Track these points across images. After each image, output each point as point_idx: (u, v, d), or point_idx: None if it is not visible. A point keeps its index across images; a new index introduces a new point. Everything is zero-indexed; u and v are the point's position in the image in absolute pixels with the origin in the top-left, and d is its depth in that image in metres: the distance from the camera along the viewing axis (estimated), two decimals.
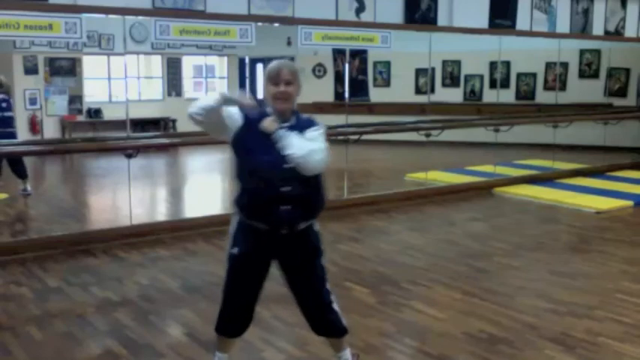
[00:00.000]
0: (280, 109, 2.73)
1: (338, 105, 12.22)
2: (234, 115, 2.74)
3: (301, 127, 2.75)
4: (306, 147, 2.64)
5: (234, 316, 2.91)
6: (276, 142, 2.66)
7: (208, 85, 15.00)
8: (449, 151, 10.87)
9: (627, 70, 11.92)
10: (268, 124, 2.69)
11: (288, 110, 2.75)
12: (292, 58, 13.48)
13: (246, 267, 2.84)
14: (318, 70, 14.00)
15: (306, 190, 2.71)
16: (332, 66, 13.79)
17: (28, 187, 7.73)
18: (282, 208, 2.67)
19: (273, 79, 2.72)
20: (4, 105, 7.45)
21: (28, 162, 8.01)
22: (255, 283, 2.87)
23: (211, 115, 2.67)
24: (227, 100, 2.68)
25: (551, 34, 8.89)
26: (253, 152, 2.70)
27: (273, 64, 2.76)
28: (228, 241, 2.87)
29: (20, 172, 7.62)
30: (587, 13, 9.20)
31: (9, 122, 7.47)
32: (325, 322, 2.93)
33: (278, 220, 2.71)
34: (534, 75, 12.85)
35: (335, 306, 2.92)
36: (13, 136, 7.48)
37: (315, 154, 2.65)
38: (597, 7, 9.29)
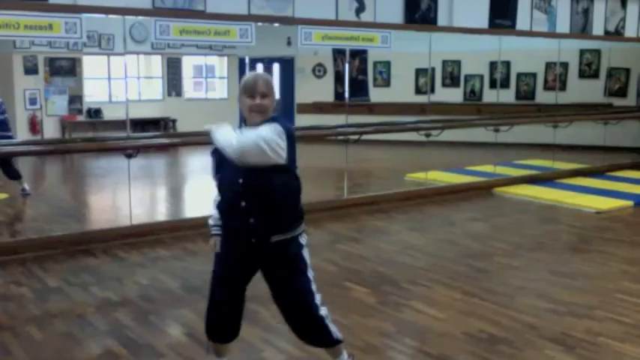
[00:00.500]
0: (256, 122, 2.71)
1: (338, 105, 12.24)
2: (213, 171, 2.89)
3: None
4: (236, 137, 2.59)
5: (216, 321, 2.92)
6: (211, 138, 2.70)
7: (208, 85, 15.00)
8: (449, 151, 10.87)
9: (627, 70, 11.92)
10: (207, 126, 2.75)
11: (262, 122, 2.70)
12: (292, 59, 13.53)
13: (225, 265, 2.86)
14: (318, 70, 14.00)
15: (268, 204, 2.69)
16: (332, 66, 13.78)
17: (26, 187, 7.73)
18: (249, 220, 2.69)
19: (248, 91, 2.71)
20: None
21: (29, 162, 8.01)
22: (232, 287, 2.86)
23: None
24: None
25: (551, 34, 8.90)
26: (222, 169, 2.78)
27: (249, 76, 2.78)
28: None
29: (12, 174, 7.59)
30: (587, 13, 9.20)
31: (5, 126, 7.45)
32: (310, 335, 2.90)
33: (243, 231, 2.73)
34: (534, 75, 12.85)
35: (325, 320, 2.85)
36: (10, 138, 7.47)
37: (247, 140, 2.57)
38: (597, 7, 9.29)
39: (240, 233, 2.75)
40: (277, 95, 2.82)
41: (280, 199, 2.71)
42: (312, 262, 2.88)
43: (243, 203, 2.68)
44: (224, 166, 2.74)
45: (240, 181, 2.68)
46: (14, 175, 7.62)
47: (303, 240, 2.84)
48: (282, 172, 2.67)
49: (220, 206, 2.84)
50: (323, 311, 2.85)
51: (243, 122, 2.82)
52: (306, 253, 2.84)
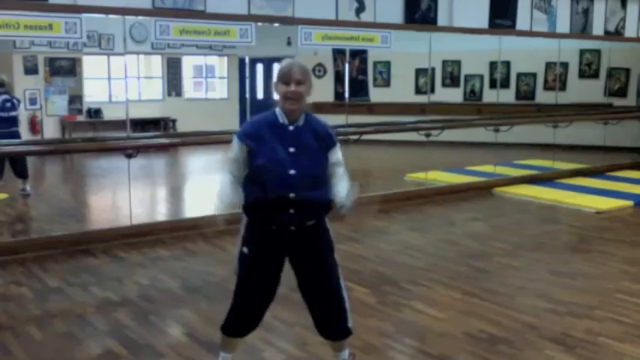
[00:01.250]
0: (290, 109, 2.71)
1: (338, 105, 12.21)
2: (240, 150, 2.75)
3: (313, 129, 2.76)
4: (346, 188, 2.79)
5: (244, 316, 2.90)
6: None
7: (208, 85, 15.00)
8: (449, 151, 10.86)
9: (627, 70, 11.91)
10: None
11: (297, 111, 2.73)
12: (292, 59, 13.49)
13: (256, 266, 2.82)
14: (318, 70, 13.99)
15: (311, 193, 2.72)
16: (332, 66, 13.78)
17: (28, 188, 7.74)
18: (289, 211, 2.70)
19: (284, 78, 2.69)
20: (8, 105, 7.46)
21: (29, 162, 8.01)
22: (266, 283, 2.84)
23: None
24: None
25: (551, 34, 8.89)
26: (262, 154, 2.70)
27: (285, 63, 2.74)
28: (239, 241, 2.87)
29: (21, 172, 7.63)
30: (587, 13, 9.19)
31: (14, 122, 7.49)
32: (334, 322, 2.91)
33: (285, 223, 2.74)
34: (534, 75, 12.85)
35: (345, 303, 2.91)
36: (17, 135, 7.49)
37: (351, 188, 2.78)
38: (597, 7, 9.29)
39: (279, 224, 2.74)
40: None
41: (325, 187, 2.80)
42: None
43: (292, 194, 2.68)
44: (263, 155, 2.69)
45: (292, 172, 2.67)
46: (23, 173, 7.64)
47: (327, 223, 2.90)
48: (326, 160, 2.79)
49: (255, 196, 2.75)
50: (344, 293, 2.91)
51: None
52: (331, 234, 2.90)
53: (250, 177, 2.75)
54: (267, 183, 2.68)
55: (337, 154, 2.83)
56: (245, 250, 2.83)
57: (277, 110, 2.75)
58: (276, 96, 2.76)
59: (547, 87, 12.60)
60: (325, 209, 2.85)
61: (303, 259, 2.85)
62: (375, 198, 2.61)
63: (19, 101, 7.79)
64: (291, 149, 2.70)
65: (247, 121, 2.92)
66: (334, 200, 2.79)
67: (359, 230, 6.23)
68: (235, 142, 2.75)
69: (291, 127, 2.73)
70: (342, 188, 2.79)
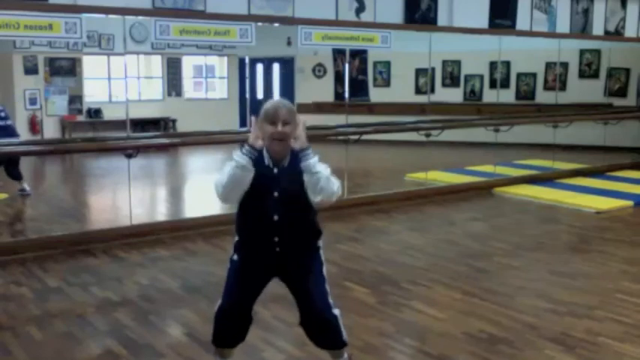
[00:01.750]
0: (276, 150, 2.68)
1: (338, 105, 12.22)
2: (248, 165, 2.65)
3: (296, 167, 2.67)
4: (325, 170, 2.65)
5: (232, 330, 2.91)
6: (306, 159, 2.61)
7: (208, 85, 15.00)
8: (449, 151, 10.86)
9: (627, 70, 11.92)
10: (300, 142, 2.64)
11: (283, 152, 2.69)
12: (292, 59, 13.53)
13: (244, 272, 2.85)
14: (318, 70, 14.00)
15: (296, 232, 2.76)
16: (332, 66, 13.78)
17: (26, 187, 7.73)
18: (275, 248, 2.75)
19: (270, 118, 2.65)
20: (2, 114, 7.45)
21: (29, 162, 8.02)
22: (248, 293, 2.87)
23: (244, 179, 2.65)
24: (246, 156, 2.63)
25: (551, 34, 8.89)
26: (251, 197, 2.70)
27: (270, 103, 2.70)
28: (232, 249, 2.93)
29: (15, 175, 7.62)
30: (587, 13, 9.19)
31: (12, 131, 7.47)
32: (322, 335, 2.91)
33: (270, 258, 2.79)
34: (534, 75, 12.85)
35: (337, 321, 2.88)
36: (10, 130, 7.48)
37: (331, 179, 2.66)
38: (597, 7, 9.29)
39: (264, 257, 2.81)
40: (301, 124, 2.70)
41: (313, 222, 2.82)
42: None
43: (276, 238, 2.74)
44: (252, 195, 2.69)
45: (276, 217, 2.71)
46: (17, 175, 7.64)
47: (319, 243, 2.90)
48: (308, 205, 2.72)
49: (242, 229, 2.82)
50: (336, 311, 2.89)
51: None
52: (321, 253, 2.90)
53: (238, 213, 2.79)
54: (252, 224, 2.77)
55: (311, 170, 2.63)
56: (235, 257, 2.88)
57: (264, 151, 2.70)
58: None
59: (547, 87, 12.60)
60: (314, 236, 2.87)
61: (290, 278, 2.88)
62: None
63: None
64: (275, 194, 2.69)
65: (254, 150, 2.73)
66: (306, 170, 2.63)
67: (359, 230, 6.23)
68: (243, 158, 2.62)
69: (275, 170, 2.71)
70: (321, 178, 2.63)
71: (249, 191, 2.67)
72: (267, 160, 2.70)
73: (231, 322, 2.90)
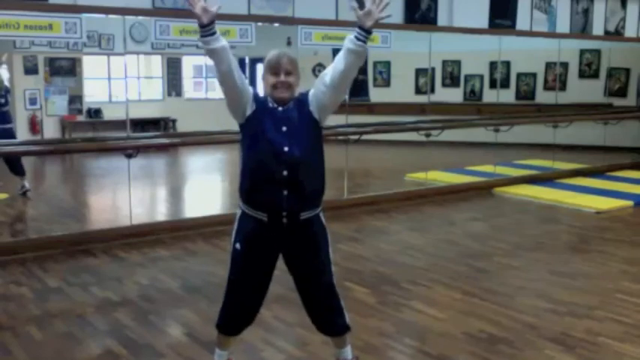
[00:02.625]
0: (279, 97, 2.68)
1: (338, 105, 12.20)
2: (248, 92, 2.70)
3: (302, 108, 2.71)
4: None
5: (235, 313, 2.88)
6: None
7: (208, 85, 15.00)
8: (449, 151, 10.86)
9: (627, 70, 11.91)
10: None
11: (287, 98, 2.71)
12: None
13: (249, 262, 2.80)
14: (318, 70, 13.97)
15: (305, 175, 2.67)
16: None
17: (26, 184, 7.71)
18: (283, 193, 2.64)
19: (272, 68, 2.68)
20: (1, 100, 7.45)
21: (29, 162, 8.02)
22: (258, 279, 2.82)
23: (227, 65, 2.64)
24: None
25: (551, 34, 8.89)
26: (261, 133, 2.67)
27: (273, 53, 2.72)
28: (232, 238, 2.86)
29: (18, 170, 7.61)
30: (587, 13, 9.20)
31: (6, 118, 7.47)
32: (328, 318, 2.91)
33: (277, 208, 2.67)
34: (534, 75, 12.84)
35: (340, 300, 2.92)
36: (11, 132, 7.48)
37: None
38: (597, 7, 9.29)
39: (271, 209, 2.68)
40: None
41: (320, 171, 2.75)
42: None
43: (285, 172, 2.63)
44: (257, 133, 2.67)
45: (286, 149, 2.64)
46: (20, 170, 7.63)
47: (323, 218, 2.85)
48: (319, 140, 2.72)
49: (247, 181, 2.72)
50: (338, 292, 2.91)
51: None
52: (327, 231, 2.86)
53: (245, 158, 2.73)
54: (262, 161, 2.66)
55: (322, 79, 2.69)
56: (237, 245, 2.81)
57: (267, 98, 2.73)
58: (261, 87, 2.76)
59: (547, 87, 12.60)
60: (320, 196, 2.79)
61: (296, 257, 2.83)
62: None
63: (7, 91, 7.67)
64: (284, 128, 2.67)
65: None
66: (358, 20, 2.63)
67: (359, 230, 6.23)
68: (249, 92, 2.71)
69: (280, 109, 2.70)
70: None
71: (256, 128, 2.66)
72: (270, 104, 2.71)
73: (244, 309, 2.86)
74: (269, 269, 2.84)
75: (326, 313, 2.91)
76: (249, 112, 2.71)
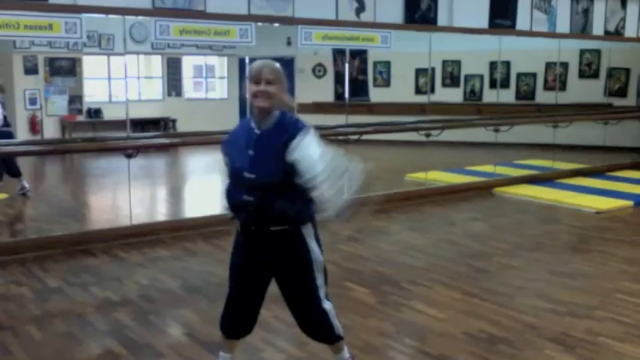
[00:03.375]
0: (260, 106, 2.68)
1: (338, 105, 12.22)
2: (223, 157, 2.84)
3: (281, 134, 2.62)
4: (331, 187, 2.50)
5: (232, 319, 2.91)
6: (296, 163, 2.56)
7: (208, 85, 15.00)
8: (449, 151, 10.86)
9: (627, 70, 11.91)
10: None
11: (266, 110, 2.69)
12: (292, 59, 13.52)
13: (238, 273, 2.85)
14: (318, 70, 13.99)
15: (272, 199, 2.63)
16: (332, 66, 13.78)
17: (25, 184, 7.71)
18: (249, 212, 2.70)
19: (253, 77, 2.69)
20: None
21: (29, 162, 8.02)
22: (248, 290, 2.85)
23: None
24: None
25: (551, 34, 8.89)
26: (232, 159, 2.77)
27: (255, 63, 2.74)
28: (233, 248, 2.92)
29: (14, 172, 7.61)
30: (587, 13, 9.19)
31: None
32: (313, 329, 2.91)
33: (245, 222, 2.75)
34: (534, 75, 12.84)
35: (329, 315, 2.85)
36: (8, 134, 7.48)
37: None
38: (597, 7, 9.29)
39: (242, 223, 2.77)
40: (288, 91, 2.78)
41: (294, 200, 2.66)
42: (321, 255, 2.81)
43: (249, 198, 2.68)
44: (230, 159, 2.79)
45: (250, 175, 2.67)
46: (16, 172, 7.63)
47: (308, 232, 2.75)
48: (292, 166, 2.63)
49: (226, 199, 2.84)
50: (327, 305, 2.84)
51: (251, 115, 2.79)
52: (313, 245, 2.76)
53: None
54: (230, 185, 2.77)
55: (300, 150, 2.56)
56: (234, 257, 2.89)
57: (252, 114, 2.77)
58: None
59: (547, 87, 12.60)
60: (293, 220, 2.69)
61: (279, 273, 2.82)
62: (375, 198, 2.40)
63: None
64: (251, 152, 2.68)
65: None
66: (317, 205, 2.59)
67: (359, 230, 6.23)
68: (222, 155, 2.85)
69: (256, 131, 2.71)
70: (323, 190, 2.51)
71: (231, 153, 2.77)
72: (253, 123, 2.74)
73: (238, 312, 2.89)
74: (256, 277, 2.83)
75: (310, 329, 2.91)
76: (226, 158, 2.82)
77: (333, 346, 2.98)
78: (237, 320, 2.92)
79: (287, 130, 2.64)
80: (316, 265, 2.78)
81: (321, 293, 2.83)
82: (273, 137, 2.65)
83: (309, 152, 2.56)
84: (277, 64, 2.76)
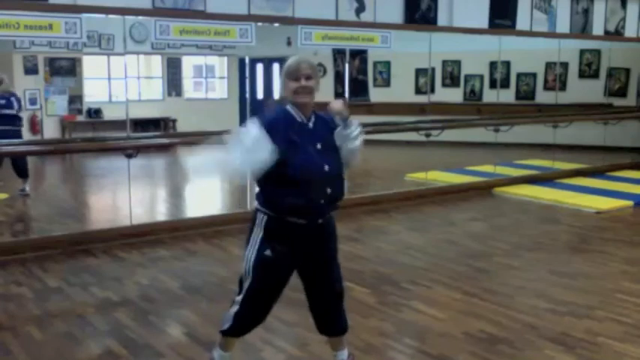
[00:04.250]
0: (303, 102, 2.72)
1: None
2: (261, 138, 2.60)
3: (326, 123, 2.79)
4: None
5: (253, 320, 2.89)
6: (348, 127, 2.76)
7: (208, 85, 15.00)
8: (449, 151, 10.86)
9: (627, 70, 11.91)
10: (339, 106, 2.77)
11: (310, 104, 2.75)
12: None
13: (278, 269, 2.78)
14: (318, 70, 13.98)
15: (340, 186, 2.79)
16: (332, 66, 13.78)
17: (27, 188, 7.74)
18: (323, 206, 2.74)
19: (292, 74, 2.71)
20: (2, 102, 7.46)
21: (29, 162, 8.01)
22: (281, 285, 2.84)
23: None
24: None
25: (551, 34, 8.89)
26: (293, 154, 2.63)
27: (292, 60, 2.77)
28: (254, 244, 2.77)
29: (22, 171, 7.63)
30: (587, 13, 9.19)
31: (9, 120, 7.48)
32: (334, 319, 2.93)
33: (317, 216, 2.76)
34: (534, 75, 12.85)
35: (344, 304, 2.95)
36: (15, 133, 7.49)
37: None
38: (597, 7, 9.29)
39: (311, 218, 2.74)
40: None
41: (344, 188, 2.82)
42: None
43: (329, 190, 2.71)
44: (295, 155, 2.64)
45: (327, 168, 2.69)
46: (23, 172, 7.64)
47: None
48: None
49: (292, 200, 2.66)
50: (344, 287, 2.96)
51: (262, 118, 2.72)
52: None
53: (279, 178, 2.63)
54: (304, 184, 2.64)
55: (343, 132, 2.79)
56: (268, 252, 2.73)
57: (289, 108, 2.75)
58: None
59: (547, 87, 12.60)
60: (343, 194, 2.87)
61: (317, 256, 2.83)
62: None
63: (18, 100, 7.75)
64: (319, 146, 2.71)
65: (265, 114, 2.78)
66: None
67: (359, 230, 6.23)
68: (255, 129, 2.61)
69: (310, 125, 2.74)
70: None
71: (290, 149, 2.63)
72: (298, 117, 2.74)
73: (262, 311, 2.87)
74: (292, 272, 2.86)
75: (332, 316, 2.94)
76: (278, 152, 2.62)
77: (339, 340, 2.99)
78: (259, 321, 2.90)
79: (327, 121, 2.80)
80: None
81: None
82: (324, 129, 2.77)
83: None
84: (312, 60, 2.83)
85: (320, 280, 2.88)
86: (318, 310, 2.93)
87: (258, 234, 2.77)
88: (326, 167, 2.69)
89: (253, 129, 2.62)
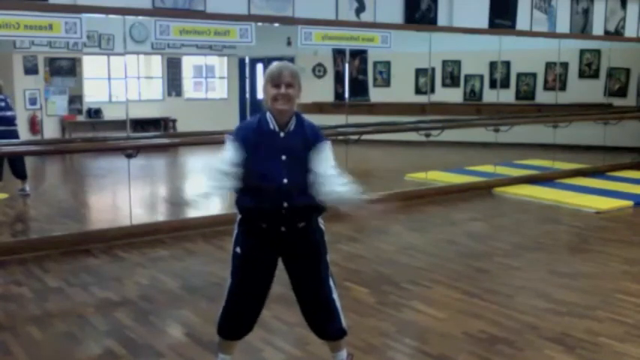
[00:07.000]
0: (280, 109, 2.69)
1: (338, 105, 12.22)
2: (235, 155, 2.66)
3: (303, 134, 2.72)
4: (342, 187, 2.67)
5: (236, 318, 2.89)
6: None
7: (208, 85, 15.00)
8: (449, 151, 10.86)
9: (627, 70, 11.91)
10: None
11: (288, 112, 2.72)
12: (292, 59, 13.52)
13: (249, 266, 2.82)
14: (318, 70, 13.99)
15: (302, 199, 2.70)
16: (332, 66, 13.79)
17: (27, 188, 7.74)
18: (281, 215, 2.70)
19: (273, 80, 2.68)
20: (2, 105, 7.47)
21: (29, 162, 8.02)
22: (259, 283, 2.83)
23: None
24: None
25: (551, 34, 8.89)
26: (255, 163, 2.67)
27: (274, 65, 2.73)
28: (232, 243, 2.87)
29: (20, 172, 7.63)
30: (587, 13, 9.20)
31: (8, 121, 7.50)
32: (324, 323, 2.91)
33: (276, 224, 2.74)
34: (534, 75, 12.85)
35: (337, 305, 2.90)
36: (13, 134, 7.49)
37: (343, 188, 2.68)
38: (597, 7, 9.29)
39: (270, 224, 2.74)
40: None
41: (315, 203, 2.74)
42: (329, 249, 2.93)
43: (285, 204, 2.67)
44: (257, 163, 2.66)
45: (285, 181, 2.66)
46: (22, 173, 7.64)
47: (321, 223, 2.88)
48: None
49: (249, 204, 2.74)
50: (335, 295, 2.90)
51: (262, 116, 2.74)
52: (325, 239, 2.89)
53: (244, 182, 2.70)
54: (261, 192, 2.69)
55: (323, 152, 2.72)
56: (238, 249, 2.83)
57: (267, 115, 2.73)
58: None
59: (547, 87, 12.60)
60: (316, 211, 2.81)
61: (294, 260, 2.85)
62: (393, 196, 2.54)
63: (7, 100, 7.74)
64: (283, 157, 2.68)
65: (238, 125, 2.84)
66: (328, 198, 2.70)
67: (359, 230, 6.23)
68: (230, 145, 2.69)
69: (282, 134, 2.71)
70: (336, 187, 2.66)
71: (255, 157, 2.66)
72: (272, 125, 2.71)
73: (243, 310, 2.87)
74: (268, 273, 2.85)
75: (322, 320, 2.92)
76: (244, 155, 2.68)
77: (336, 343, 2.98)
78: (243, 321, 2.90)
79: (307, 133, 2.74)
80: (328, 257, 2.90)
81: (331, 283, 2.90)
82: (297, 140, 2.71)
83: (326, 154, 2.72)
84: (295, 67, 2.78)
85: (302, 286, 2.88)
86: (305, 314, 2.93)
87: (234, 233, 2.86)
88: (284, 180, 2.66)
89: (228, 152, 2.68)
